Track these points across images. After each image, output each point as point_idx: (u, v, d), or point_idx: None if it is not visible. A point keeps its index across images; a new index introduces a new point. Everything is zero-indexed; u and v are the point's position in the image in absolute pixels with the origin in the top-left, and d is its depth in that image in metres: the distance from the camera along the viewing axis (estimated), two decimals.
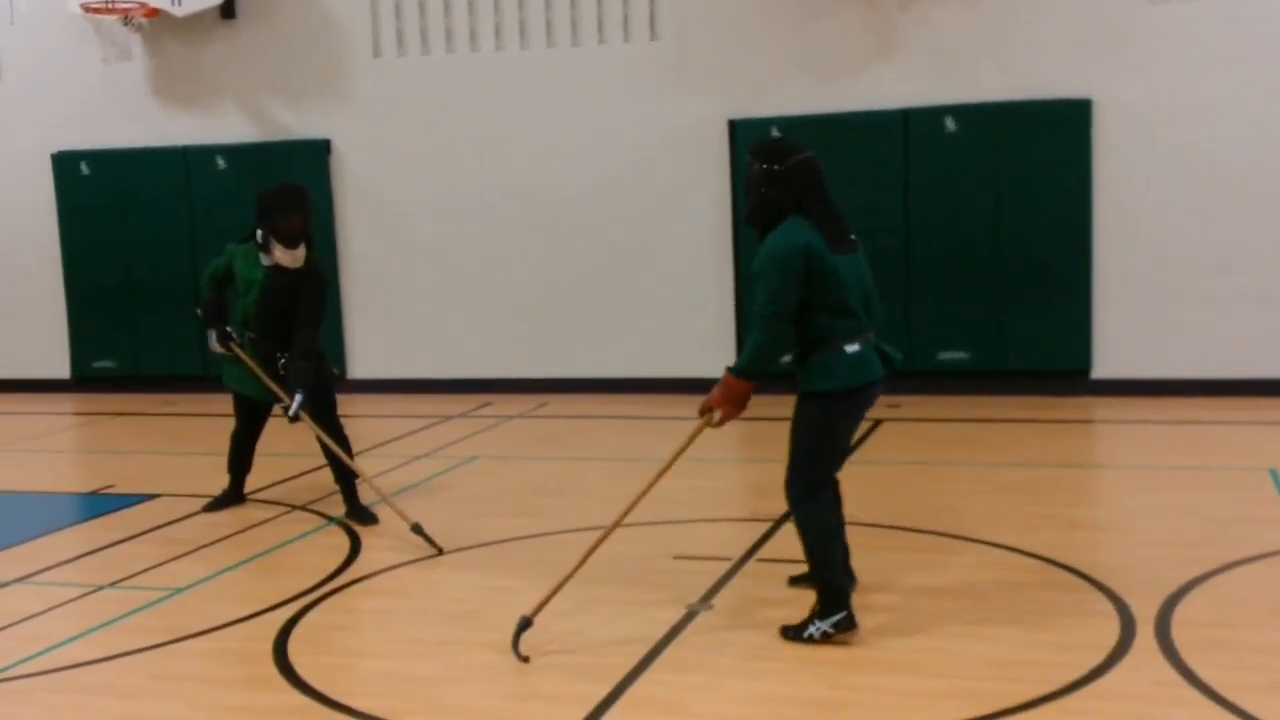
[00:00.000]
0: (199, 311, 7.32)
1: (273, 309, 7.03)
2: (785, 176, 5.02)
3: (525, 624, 5.05)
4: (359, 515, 7.11)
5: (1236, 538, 6.21)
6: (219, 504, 7.50)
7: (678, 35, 10.95)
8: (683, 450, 5.17)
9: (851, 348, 4.99)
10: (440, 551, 6.43)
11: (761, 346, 4.94)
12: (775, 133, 10.50)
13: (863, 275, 5.12)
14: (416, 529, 6.51)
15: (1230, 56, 9.84)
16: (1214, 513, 6.76)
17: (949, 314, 10.51)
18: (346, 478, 7.22)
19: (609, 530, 5.25)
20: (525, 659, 4.91)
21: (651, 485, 5.23)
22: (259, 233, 6.96)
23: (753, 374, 4.97)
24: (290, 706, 4.64)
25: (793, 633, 5.09)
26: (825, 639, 5.00)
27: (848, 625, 5.03)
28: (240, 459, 7.54)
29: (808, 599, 5.43)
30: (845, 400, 5.04)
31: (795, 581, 5.68)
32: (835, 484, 5.25)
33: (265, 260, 6.96)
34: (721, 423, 5.07)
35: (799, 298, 4.91)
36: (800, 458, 5.09)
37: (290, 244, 6.91)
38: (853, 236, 5.12)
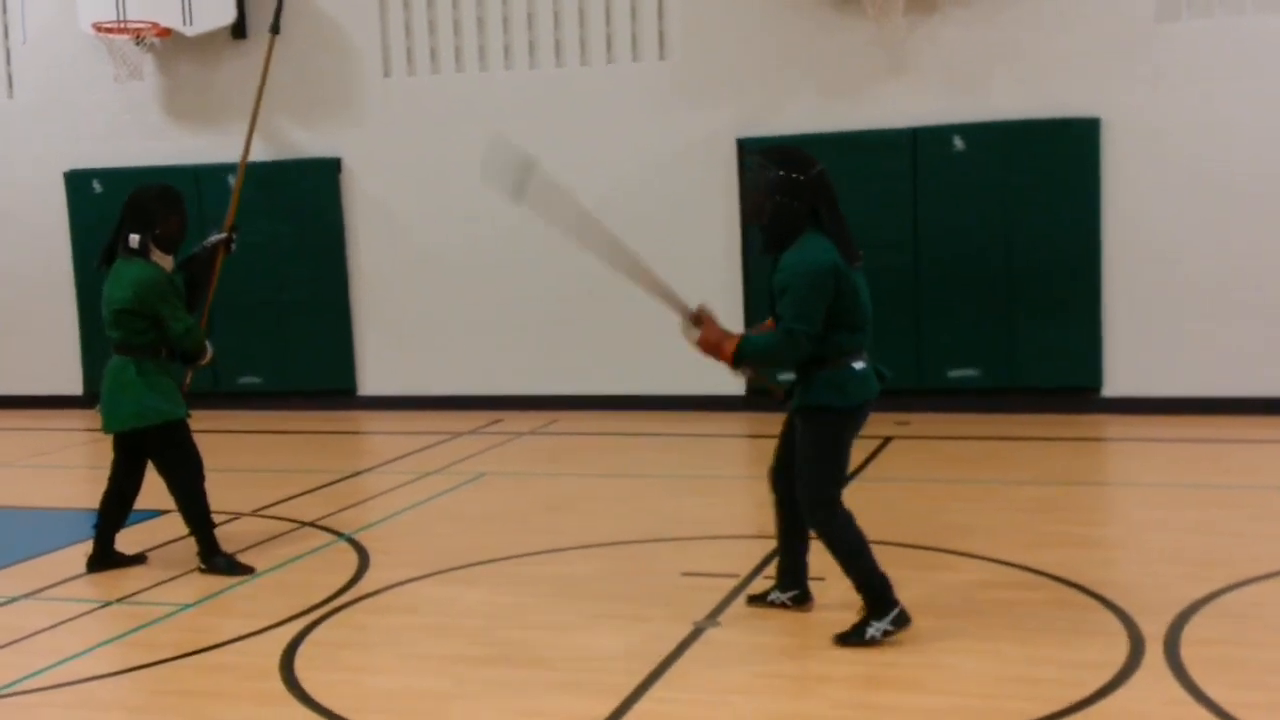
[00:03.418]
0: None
1: None
2: (808, 187, 5.00)
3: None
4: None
5: (1247, 556, 6.18)
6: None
7: (686, 54, 10.98)
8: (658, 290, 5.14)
9: (859, 364, 5.04)
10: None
11: (776, 355, 5.00)
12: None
13: (867, 291, 5.14)
14: None
15: (1240, 73, 9.84)
16: (1224, 530, 6.73)
17: (959, 331, 10.49)
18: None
19: None
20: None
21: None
22: (134, 239, 6.35)
23: (749, 364, 5.02)
24: None
25: (853, 637, 5.07)
26: (886, 637, 5.04)
27: (904, 621, 5.07)
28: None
29: (813, 615, 5.44)
30: (851, 416, 5.07)
31: (754, 601, 5.66)
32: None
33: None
34: (695, 345, 5.05)
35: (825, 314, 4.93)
36: (814, 478, 5.08)
37: (170, 249, 6.40)
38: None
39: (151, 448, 6.58)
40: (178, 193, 6.57)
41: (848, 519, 5.12)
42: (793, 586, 5.52)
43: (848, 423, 5.06)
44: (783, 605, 5.53)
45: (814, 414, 5.05)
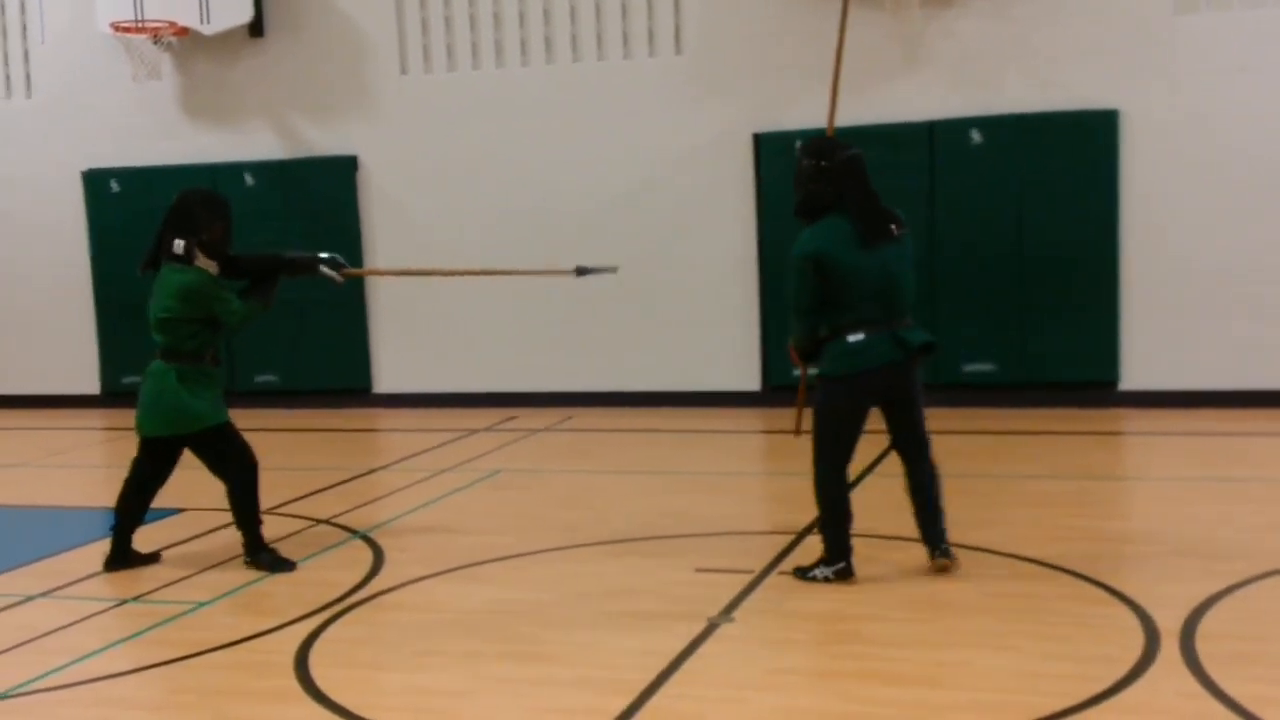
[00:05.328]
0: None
1: None
2: (831, 172, 5.57)
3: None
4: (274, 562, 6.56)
5: (1263, 550, 6.15)
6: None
7: (702, 49, 10.96)
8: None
9: (854, 337, 5.54)
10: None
11: (795, 333, 5.74)
12: (799, 146, 10.49)
13: (888, 265, 5.56)
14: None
15: (1258, 66, 9.78)
16: (1241, 525, 6.70)
17: (975, 326, 10.46)
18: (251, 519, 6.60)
19: None
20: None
21: None
22: (178, 244, 6.27)
23: (800, 349, 5.76)
24: (311, 719, 4.65)
25: (801, 572, 5.84)
26: (826, 582, 5.74)
27: (846, 574, 5.75)
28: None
29: (831, 611, 5.45)
30: (843, 384, 5.59)
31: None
32: (917, 459, 5.85)
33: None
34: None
35: (818, 294, 5.54)
36: (816, 438, 5.72)
37: (215, 255, 6.32)
38: (893, 226, 5.61)
39: (196, 452, 6.54)
40: (224, 199, 6.50)
41: (836, 482, 5.70)
42: (929, 548, 5.88)
43: (840, 390, 5.60)
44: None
45: (818, 381, 5.71)
